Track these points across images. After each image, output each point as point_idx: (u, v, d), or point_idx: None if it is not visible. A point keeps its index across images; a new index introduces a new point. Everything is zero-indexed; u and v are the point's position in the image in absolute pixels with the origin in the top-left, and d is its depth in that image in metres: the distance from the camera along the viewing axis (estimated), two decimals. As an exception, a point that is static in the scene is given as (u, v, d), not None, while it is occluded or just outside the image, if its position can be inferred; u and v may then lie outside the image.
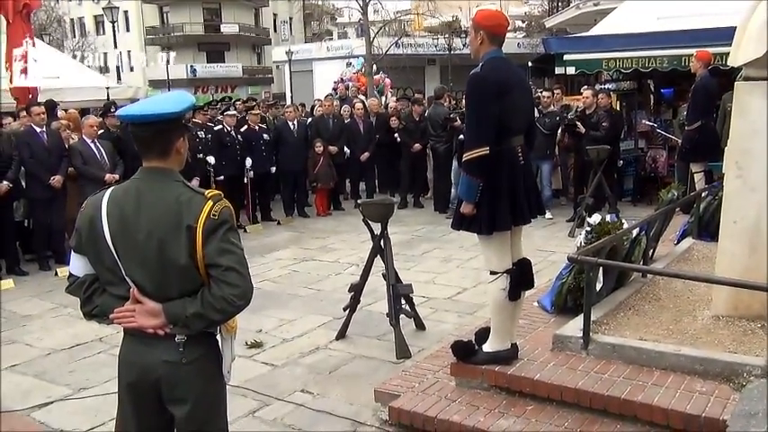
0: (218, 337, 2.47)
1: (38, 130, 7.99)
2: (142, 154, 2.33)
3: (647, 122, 10.92)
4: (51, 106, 9.57)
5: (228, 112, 10.51)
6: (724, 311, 4.35)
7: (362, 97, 16.95)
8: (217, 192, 2.32)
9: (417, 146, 11.01)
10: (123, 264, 2.29)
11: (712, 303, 4.46)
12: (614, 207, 8.95)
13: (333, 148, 11.18)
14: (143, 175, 2.35)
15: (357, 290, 5.45)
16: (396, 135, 11.48)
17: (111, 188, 2.39)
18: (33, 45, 9.72)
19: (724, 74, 8.18)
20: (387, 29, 29.81)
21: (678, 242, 6.55)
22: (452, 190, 10.03)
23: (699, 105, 8.12)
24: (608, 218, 5.23)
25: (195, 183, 8.25)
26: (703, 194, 6.61)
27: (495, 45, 3.80)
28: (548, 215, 9.65)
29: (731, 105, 4.60)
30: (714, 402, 3.38)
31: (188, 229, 2.22)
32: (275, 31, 51.88)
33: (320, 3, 45.70)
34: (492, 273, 3.87)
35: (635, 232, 5.20)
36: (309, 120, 12.22)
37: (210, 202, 2.25)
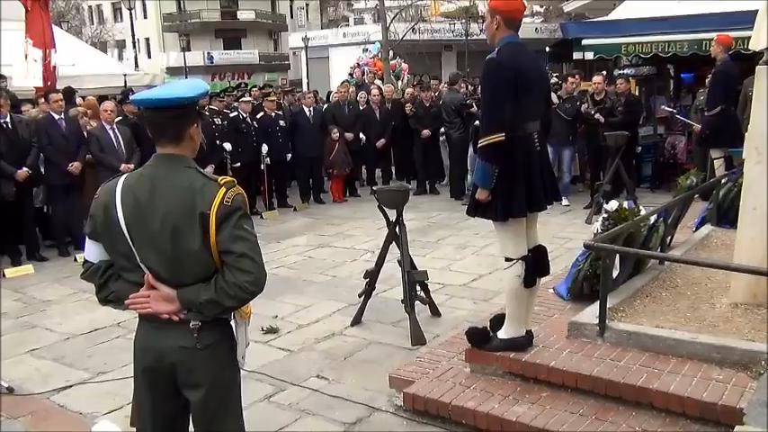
0: (233, 322, 2.48)
1: (56, 117, 8.04)
2: (156, 140, 2.34)
3: (667, 108, 10.78)
4: (70, 93, 9.64)
5: (244, 99, 10.52)
6: (742, 299, 4.30)
7: (379, 82, 16.88)
8: (230, 178, 2.32)
9: (426, 132, 11.00)
10: (137, 250, 2.30)
11: (730, 291, 4.42)
12: (632, 194, 8.87)
13: (349, 135, 11.17)
14: (157, 162, 2.36)
15: (372, 276, 5.45)
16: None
17: (126, 175, 2.40)
18: (50, 49, 9.73)
19: (746, 58, 8.04)
20: (403, 14, 29.64)
21: (697, 229, 6.47)
22: (468, 176, 9.99)
23: (719, 90, 8.01)
24: (625, 204, 5.18)
25: (210, 170, 8.27)
26: (723, 181, 6.52)
27: (512, 30, 3.77)
28: (564, 202, 9.60)
29: (753, 90, 4.52)
30: (731, 390, 3.35)
31: (201, 216, 2.23)
32: (292, 17, 51.80)
33: (337, -12, 45.56)
34: (507, 259, 3.86)
35: (652, 219, 5.15)
36: (325, 106, 12.19)
37: (224, 189, 2.26)
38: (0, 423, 3.99)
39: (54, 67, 9.76)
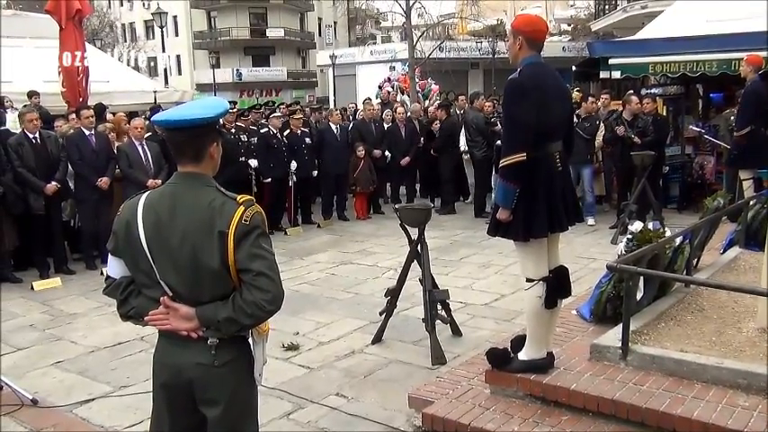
0: (250, 339, 2.49)
1: (87, 132, 8.19)
2: (177, 159, 2.38)
3: (695, 128, 10.67)
4: (101, 110, 9.85)
5: (275, 114, 10.63)
6: (770, 324, 4.21)
7: (406, 98, 16.95)
8: (249, 197, 2.34)
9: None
10: (158, 267, 2.33)
11: (758, 315, 4.33)
12: (658, 214, 8.76)
13: (377, 152, 11.24)
14: (178, 180, 2.39)
15: (393, 294, 5.44)
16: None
17: (148, 192, 2.44)
18: (82, 51, 10.02)
19: (776, 78, 7.95)
20: (430, 33, 29.78)
21: (724, 251, 6.37)
22: (492, 195, 9.97)
23: (748, 111, 7.89)
24: (650, 225, 5.12)
25: None
26: (752, 202, 6.42)
27: (534, 50, 3.77)
28: (590, 221, 9.51)
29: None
30: (757, 418, 3.27)
31: (220, 235, 2.25)
32: (320, 35, 52.37)
33: (364, 7, 45.90)
34: (528, 280, 3.83)
35: (678, 241, 5.07)
36: (351, 124, 12.28)
37: (242, 208, 2.28)
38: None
39: (86, 69, 10.01)
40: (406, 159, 11.58)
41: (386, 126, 11.83)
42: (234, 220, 2.25)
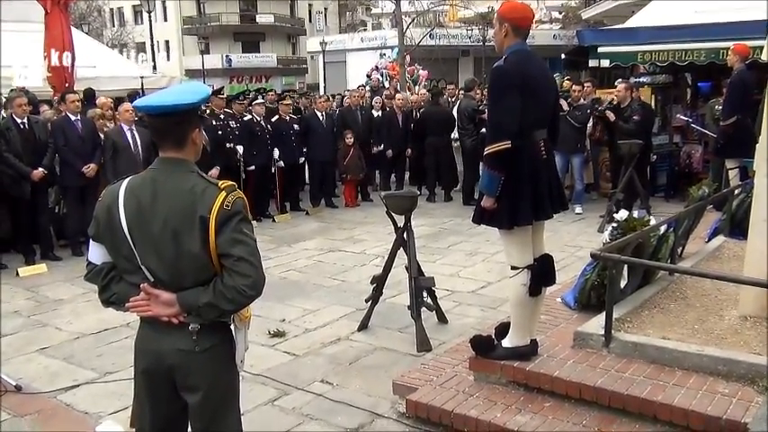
0: (232, 326, 2.49)
1: (73, 118, 8.10)
2: (159, 144, 2.37)
3: (682, 117, 10.70)
4: (90, 95, 9.76)
5: (257, 101, 10.57)
6: (752, 312, 4.26)
7: (405, 91, 16.91)
8: (231, 183, 2.34)
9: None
10: (139, 253, 2.32)
11: (740, 303, 4.37)
12: (646, 203, 8.80)
13: (375, 149, 11.30)
14: (159, 165, 2.38)
15: (379, 282, 5.45)
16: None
17: (129, 177, 2.42)
18: (67, 51, 9.89)
19: (763, 67, 7.96)
20: (421, 20, 29.63)
21: (709, 240, 6.41)
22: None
23: (735, 100, 7.93)
24: (635, 214, 5.14)
25: (215, 172, 8.24)
26: (737, 191, 6.46)
27: (520, 38, 3.76)
28: (578, 209, 9.54)
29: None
30: (736, 404, 3.31)
31: (201, 220, 2.25)
32: (310, 21, 52.02)
33: (355, -7, 45.71)
34: (513, 268, 3.84)
35: (662, 229, 5.10)
36: (338, 111, 12.23)
37: (224, 193, 2.27)
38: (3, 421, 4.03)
39: (69, 67, 9.89)
40: (409, 152, 11.57)
41: (375, 114, 11.78)
42: (215, 205, 2.25)
